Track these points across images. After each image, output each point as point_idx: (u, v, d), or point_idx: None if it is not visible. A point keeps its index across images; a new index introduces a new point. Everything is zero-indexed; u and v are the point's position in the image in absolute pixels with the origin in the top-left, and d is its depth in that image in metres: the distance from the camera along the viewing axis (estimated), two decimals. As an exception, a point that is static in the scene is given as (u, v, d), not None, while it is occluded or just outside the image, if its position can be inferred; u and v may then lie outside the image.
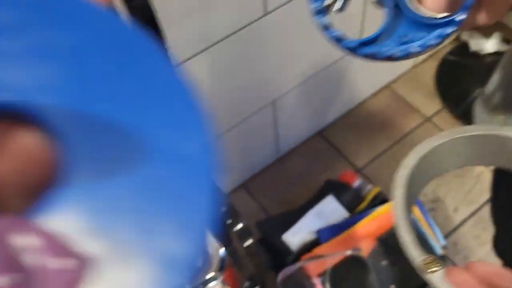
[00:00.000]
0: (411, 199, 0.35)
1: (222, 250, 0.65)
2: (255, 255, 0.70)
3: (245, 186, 1.30)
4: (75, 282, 0.11)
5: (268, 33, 0.93)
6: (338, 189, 1.16)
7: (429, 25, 0.27)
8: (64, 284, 0.11)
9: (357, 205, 1.13)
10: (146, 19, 0.50)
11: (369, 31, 0.30)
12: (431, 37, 0.27)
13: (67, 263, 0.11)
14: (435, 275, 0.30)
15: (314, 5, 0.28)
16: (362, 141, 1.37)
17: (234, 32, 0.87)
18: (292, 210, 1.17)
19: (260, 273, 0.73)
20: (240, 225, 0.71)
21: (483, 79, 0.62)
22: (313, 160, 1.34)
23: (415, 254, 0.32)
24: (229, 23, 0.85)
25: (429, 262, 0.31)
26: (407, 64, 1.50)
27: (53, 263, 0.11)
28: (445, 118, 1.40)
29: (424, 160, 0.34)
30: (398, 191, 0.33)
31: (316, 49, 1.09)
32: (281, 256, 1.04)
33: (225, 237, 0.97)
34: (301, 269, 0.98)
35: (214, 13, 0.81)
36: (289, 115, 1.22)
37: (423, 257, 0.31)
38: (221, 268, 0.64)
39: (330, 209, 1.12)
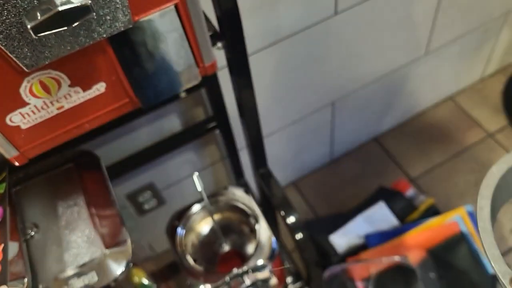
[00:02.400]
0: (495, 211, 0.33)
1: (273, 240, 0.67)
2: (305, 250, 0.71)
3: (296, 184, 1.31)
4: None
5: (336, 33, 0.94)
6: (390, 196, 1.14)
7: None
8: None
9: (408, 215, 1.11)
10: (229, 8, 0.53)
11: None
12: None
13: None
14: None
15: None
16: (418, 151, 1.34)
17: (302, 30, 0.88)
18: (341, 213, 1.17)
19: (307, 267, 0.74)
20: (292, 218, 0.73)
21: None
22: (366, 165, 1.33)
23: (503, 270, 0.30)
24: (298, 20, 0.86)
25: None
26: (473, 77, 1.45)
27: None
28: (510, 136, 1.35)
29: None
30: (484, 202, 0.31)
31: (381, 54, 1.09)
32: (326, 256, 1.05)
33: (277, 228, 0.99)
34: (345, 270, 0.98)
35: (283, 9, 0.82)
36: (346, 118, 1.22)
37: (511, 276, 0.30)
38: (271, 257, 0.66)
39: (380, 216, 1.11)
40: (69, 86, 0.40)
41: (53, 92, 0.40)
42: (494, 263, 0.29)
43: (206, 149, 1.03)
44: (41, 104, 0.40)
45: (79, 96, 0.42)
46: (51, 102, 0.40)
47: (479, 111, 1.41)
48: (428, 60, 1.22)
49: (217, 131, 0.93)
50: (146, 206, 1.04)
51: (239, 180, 1.00)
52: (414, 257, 0.96)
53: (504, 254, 1.17)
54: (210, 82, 0.78)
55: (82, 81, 0.41)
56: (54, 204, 0.49)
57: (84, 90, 0.42)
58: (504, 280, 0.29)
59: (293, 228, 0.69)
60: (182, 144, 0.92)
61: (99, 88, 0.42)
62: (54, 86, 0.39)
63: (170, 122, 0.90)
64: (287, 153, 1.22)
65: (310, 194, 1.29)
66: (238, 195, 0.71)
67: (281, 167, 1.23)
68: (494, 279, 0.99)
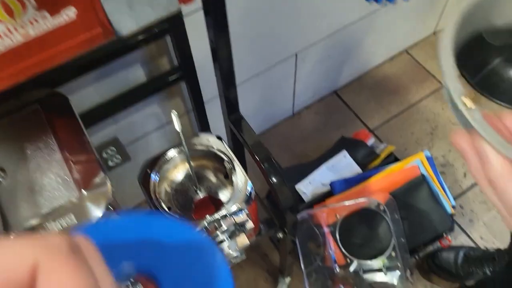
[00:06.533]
0: (459, 39, 0.33)
1: (249, 183, 0.66)
2: (280, 193, 0.71)
3: (260, 137, 1.30)
4: None
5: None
6: (352, 145, 1.17)
7: None
8: None
9: (370, 162, 1.14)
10: None
11: None
12: None
13: None
14: (474, 113, 0.28)
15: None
16: (376, 103, 1.38)
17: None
18: (305, 163, 1.18)
19: (282, 212, 0.75)
20: (268, 162, 0.72)
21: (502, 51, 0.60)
22: (328, 117, 1.34)
23: (455, 86, 0.29)
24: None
25: (468, 98, 0.29)
26: (427, 30, 1.49)
27: None
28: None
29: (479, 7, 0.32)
30: (452, 22, 0.32)
31: (342, 6, 1.08)
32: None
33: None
34: (312, 216, 1.00)
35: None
36: (309, 71, 1.22)
37: (464, 90, 0.29)
38: (248, 201, 0.65)
39: (344, 164, 1.13)
40: (35, 9, 0.36)
41: (17, 15, 0.36)
42: (450, 80, 0.30)
43: (170, 102, 0.99)
44: (3, 29, 0.36)
45: (46, 23, 0.38)
46: (15, 28, 0.36)
47: (433, 63, 1.45)
48: (385, 13, 1.22)
49: (183, 83, 0.90)
50: (110, 163, 1.00)
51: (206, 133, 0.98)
52: (378, 200, 0.99)
53: (457, 196, 1.23)
54: (176, 27, 0.74)
55: (50, 4, 0.37)
56: (21, 147, 0.45)
57: (52, 14, 0.38)
58: (456, 95, 0.30)
59: (269, 172, 0.69)
60: (147, 95, 0.88)
61: (69, 13, 0.39)
62: (18, 8, 0.35)
63: (134, 73, 0.86)
64: (250, 107, 1.20)
65: (273, 148, 1.29)
66: (211, 141, 0.69)
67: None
68: (452, 218, 1.05)
